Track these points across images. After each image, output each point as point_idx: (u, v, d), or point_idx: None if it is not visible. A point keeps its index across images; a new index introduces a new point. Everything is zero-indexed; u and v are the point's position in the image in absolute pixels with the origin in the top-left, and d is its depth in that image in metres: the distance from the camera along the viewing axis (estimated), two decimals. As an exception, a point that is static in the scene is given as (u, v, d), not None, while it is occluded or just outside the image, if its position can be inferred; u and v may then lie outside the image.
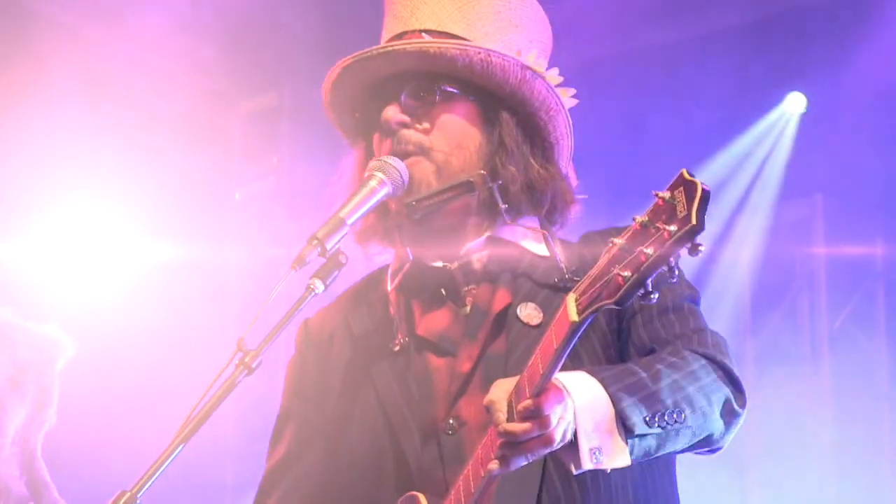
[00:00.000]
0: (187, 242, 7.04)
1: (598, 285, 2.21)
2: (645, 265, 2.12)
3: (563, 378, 2.43)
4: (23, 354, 3.66)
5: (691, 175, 2.11)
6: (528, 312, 2.73)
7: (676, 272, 2.14)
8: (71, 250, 6.82)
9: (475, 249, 2.80)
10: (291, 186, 7.62)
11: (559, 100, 2.83)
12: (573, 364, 2.57)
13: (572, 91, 2.87)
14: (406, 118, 2.79)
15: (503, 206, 2.76)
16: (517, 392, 2.37)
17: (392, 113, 2.79)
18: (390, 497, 2.70)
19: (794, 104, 7.35)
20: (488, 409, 2.41)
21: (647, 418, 2.46)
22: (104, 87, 6.77)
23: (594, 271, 2.23)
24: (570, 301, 2.27)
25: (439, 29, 2.81)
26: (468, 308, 2.79)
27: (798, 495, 7.43)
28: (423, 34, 2.81)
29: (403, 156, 2.76)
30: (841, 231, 7.25)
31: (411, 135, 2.78)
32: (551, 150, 2.86)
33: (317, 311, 3.00)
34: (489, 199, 2.77)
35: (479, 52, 2.73)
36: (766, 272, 7.49)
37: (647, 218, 2.14)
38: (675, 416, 2.49)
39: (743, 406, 2.66)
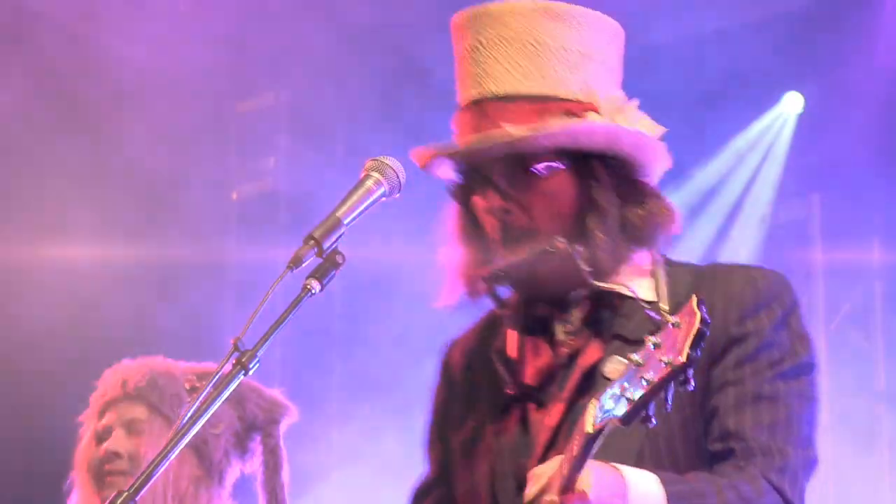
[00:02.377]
0: (185, 242, 7.05)
1: (616, 396, 2.26)
2: (645, 392, 2.18)
3: (630, 476, 2.44)
4: (251, 412, 3.86)
5: (699, 306, 2.17)
6: (612, 367, 2.70)
7: (670, 402, 2.19)
8: (70, 250, 6.82)
9: (576, 299, 2.77)
10: (290, 187, 7.62)
11: (647, 137, 2.80)
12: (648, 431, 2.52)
13: (653, 123, 2.84)
14: (504, 204, 2.74)
15: (588, 271, 2.71)
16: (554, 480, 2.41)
17: (490, 201, 2.75)
18: None
19: (791, 104, 7.36)
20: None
21: None
22: (102, 87, 6.77)
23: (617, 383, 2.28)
24: (591, 408, 2.30)
25: (516, 93, 2.74)
26: (564, 359, 2.77)
27: (795, 495, 7.43)
28: (498, 104, 2.73)
29: (513, 241, 2.73)
30: (838, 231, 7.25)
31: (514, 220, 2.74)
32: (650, 178, 2.83)
33: (461, 334, 3.02)
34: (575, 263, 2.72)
35: (566, 129, 2.68)
36: (764, 273, 7.48)
37: (658, 340, 2.20)
38: None
39: None
